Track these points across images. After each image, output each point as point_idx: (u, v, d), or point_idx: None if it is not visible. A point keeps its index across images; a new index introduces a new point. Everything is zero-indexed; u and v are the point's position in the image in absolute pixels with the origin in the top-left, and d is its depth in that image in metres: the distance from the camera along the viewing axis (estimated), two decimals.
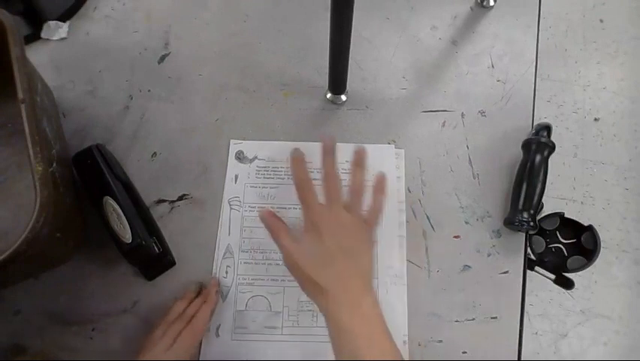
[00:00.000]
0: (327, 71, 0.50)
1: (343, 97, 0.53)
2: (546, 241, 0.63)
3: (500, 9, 0.58)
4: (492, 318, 0.45)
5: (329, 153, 0.41)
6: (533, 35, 0.57)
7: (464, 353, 0.44)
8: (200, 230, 0.48)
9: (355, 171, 0.42)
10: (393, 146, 0.51)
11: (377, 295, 0.39)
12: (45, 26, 0.56)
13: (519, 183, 0.47)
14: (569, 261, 0.61)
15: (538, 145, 0.48)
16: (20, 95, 0.37)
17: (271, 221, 0.40)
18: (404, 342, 0.44)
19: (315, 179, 0.41)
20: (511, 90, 0.54)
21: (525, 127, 0.52)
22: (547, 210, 0.68)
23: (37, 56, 0.55)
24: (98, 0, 0.58)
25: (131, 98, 0.53)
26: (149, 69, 0.55)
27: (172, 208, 0.48)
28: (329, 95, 0.53)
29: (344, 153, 0.49)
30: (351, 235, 0.39)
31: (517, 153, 0.50)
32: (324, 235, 0.38)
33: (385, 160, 0.51)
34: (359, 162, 0.42)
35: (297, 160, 0.41)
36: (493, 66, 0.56)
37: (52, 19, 0.56)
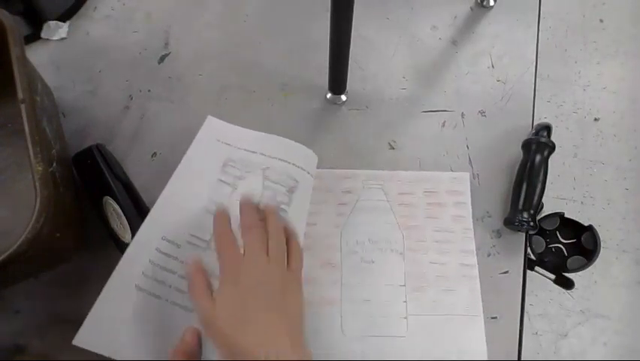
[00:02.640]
0: (327, 71, 0.50)
1: (343, 97, 0.53)
2: (546, 241, 0.63)
3: (500, 9, 0.58)
4: (492, 318, 0.45)
5: (249, 204, 0.41)
6: (533, 35, 0.57)
7: None
8: None
9: (269, 217, 0.40)
10: (468, 175, 0.50)
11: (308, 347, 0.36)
12: (45, 26, 0.56)
13: (519, 183, 0.47)
14: (569, 261, 0.61)
15: (538, 145, 0.48)
16: (20, 95, 0.37)
17: (193, 276, 0.37)
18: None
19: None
20: (511, 90, 0.54)
21: (525, 127, 0.52)
22: (547, 210, 0.68)
23: (37, 56, 0.55)
24: (98, 0, 0.58)
25: (131, 98, 0.53)
26: (149, 69, 0.55)
27: None
28: (329, 95, 0.53)
29: (413, 183, 0.49)
30: (274, 283, 0.36)
31: (517, 153, 0.50)
32: (241, 287, 0.35)
33: (458, 188, 0.49)
34: (272, 208, 0.41)
35: (221, 215, 0.40)
36: (493, 66, 0.56)
37: (52, 19, 0.56)
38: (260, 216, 0.41)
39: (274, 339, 0.33)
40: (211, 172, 0.47)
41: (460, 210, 0.48)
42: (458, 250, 0.46)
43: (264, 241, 0.38)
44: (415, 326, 0.44)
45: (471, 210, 0.48)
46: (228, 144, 0.49)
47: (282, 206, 0.45)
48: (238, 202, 0.42)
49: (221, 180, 0.47)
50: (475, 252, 0.46)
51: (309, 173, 0.48)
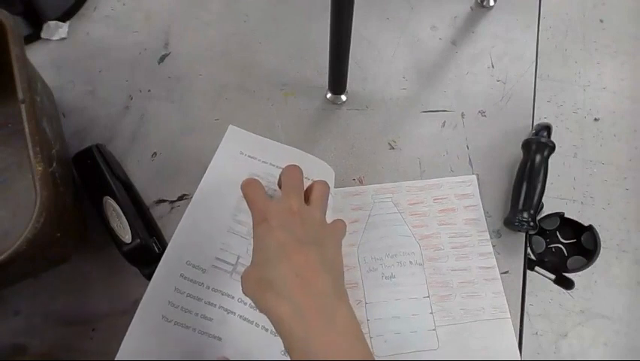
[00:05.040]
0: (327, 71, 0.50)
1: (343, 97, 0.53)
2: (546, 241, 0.64)
3: (500, 9, 0.58)
4: None
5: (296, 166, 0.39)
6: (533, 35, 0.57)
7: None
8: None
9: (317, 183, 0.39)
10: (475, 177, 0.49)
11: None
12: (45, 26, 0.56)
13: (519, 183, 0.47)
14: (569, 261, 0.61)
15: (538, 145, 0.48)
16: (20, 95, 0.37)
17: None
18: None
19: None
20: (511, 90, 0.54)
21: (525, 127, 0.52)
22: (547, 210, 0.68)
23: (37, 56, 0.55)
24: (98, 0, 0.58)
25: (131, 98, 0.53)
26: (149, 69, 0.55)
27: (172, 208, 0.48)
28: (329, 95, 0.53)
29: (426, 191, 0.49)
30: (309, 224, 0.32)
31: (517, 153, 0.50)
32: (273, 225, 0.31)
33: (467, 191, 0.49)
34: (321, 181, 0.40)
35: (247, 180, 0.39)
36: (493, 66, 0.56)
37: (52, 19, 0.56)
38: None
39: (313, 276, 0.28)
40: (235, 189, 0.44)
41: (472, 213, 0.48)
42: (477, 254, 0.46)
43: (302, 189, 0.35)
44: (445, 336, 0.43)
45: (482, 212, 0.48)
46: (253, 157, 0.47)
47: None
48: None
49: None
50: (493, 253, 0.46)
51: (330, 193, 0.46)
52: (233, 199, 0.45)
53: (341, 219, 0.39)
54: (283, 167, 0.46)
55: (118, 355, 0.38)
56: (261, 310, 0.31)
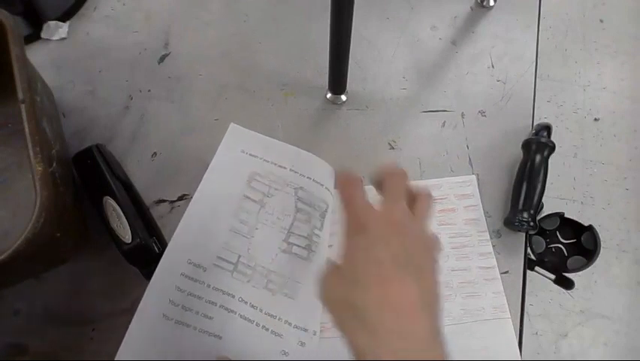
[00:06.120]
0: (327, 71, 0.50)
1: (343, 97, 0.53)
2: (546, 241, 0.64)
3: (500, 9, 0.58)
4: None
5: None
6: (533, 35, 0.57)
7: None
8: None
9: (422, 196, 0.33)
10: (475, 177, 0.49)
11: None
12: (45, 26, 0.56)
13: (519, 183, 0.47)
14: (569, 261, 0.61)
15: (538, 145, 0.48)
16: (20, 95, 0.37)
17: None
18: None
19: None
20: (511, 90, 0.54)
21: (525, 127, 0.52)
22: (547, 210, 0.68)
23: (37, 56, 0.55)
24: (98, 0, 0.58)
25: (131, 98, 0.53)
26: (149, 69, 0.55)
27: (172, 208, 0.48)
28: (329, 95, 0.53)
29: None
30: (411, 239, 0.28)
31: (517, 153, 0.50)
32: (373, 237, 0.27)
33: (466, 191, 0.49)
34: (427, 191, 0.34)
35: (342, 173, 0.33)
36: (493, 66, 0.56)
37: (52, 20, 0.56)
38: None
39: (410, 314, 0.24)
40: (236, 187, 0.45)
41: (472, 213, 0.48)
42: (477, 254, 0.46)
43: (403, 196, 0.30)
44: (446, 336, 0.43)
45: (482, 212, 0.48)
46: (254, 156, 0.47)
47: (316, 231, 0.44)
48: (266, 221, 0.41)
49: (247, 197, 0.45)
50: (493, 253, 0.46)
51: (331, 193, 0.47)
52: (234, 198, 0.45)
53: (435, 235, 0.32)
54: (290, 169, 0.46)
55: (118, 354, 0.38)
56: (335, 326, 0.27)
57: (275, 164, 0.47)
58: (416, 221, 0.30)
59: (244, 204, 0.44)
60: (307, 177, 0.46)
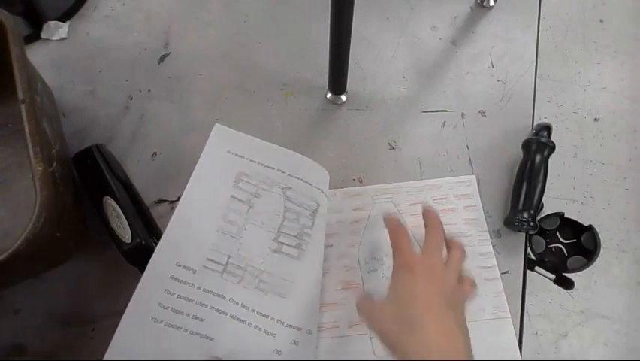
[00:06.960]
0: (327, 71, 0.50)
1: (343, 97, 0.53)
2: (546, 241, 0.64)
3: (500, 9, 0.58)
4: None
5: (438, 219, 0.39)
6: (533, 35, 0.57)
7: None
8: None
9: (455, 247, 0.39)
10: (475, 177, 0.49)
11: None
12: (45, 26, 0.56)
13: (519, 183, 0.47)
14: (569, 261, 0.61)
15: (538, 145, 0.48)
16: (20, 95, 0.37)
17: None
18: None
19: None
20: (511, 90, 0.54)
21: (525, 127, 0.52)
22: (547, 210, 0.68)
23: (37, 56, 0.55)
24: (98, 0, 0.58)
25: (131, 98, 0.53)
26: (149, 69, 0.55)
27: (172, 208, 0.48)
28: (329, 95, 0.53)
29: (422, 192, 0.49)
30: (447, 285, 0.35)
31: (517, 153, 0.50)
32: (418, 276, 0.34)
33: (466, 191, 0.49)
34: (459, 244, 0.39)
35: (393, 220, 0.40)
36: (493, 66, 0.56)
37: (52, 19, 0.56)
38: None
39: (452, 342, 0.31)
40: (223, 188, 0.44)
41: (472, 213, 0.48)
42: (477, 254, 0.46)
43: (441, 249, 0.37)
44: None
45: (482, 212, 0.48)
46: (240, 156, 0.46)
47: (306, 230, 0.44)
48: (255, 221, 0.42)
49: (234, 197, 0.45)
50: (493, 253, 0.46)
51: (324, 194, 0.46)
52: (222, 199, 0.44)
53: (471, 281, 0.38)
54: (278, 169, 0.46)
55: (106, 355, 0.38)
56: (389, 347, 0.33)
57: (262, 164, 0.46)
58: (448, 270, 0.36)
59: (232, 205, 0.44)
60: (295, 177, 0.46)
